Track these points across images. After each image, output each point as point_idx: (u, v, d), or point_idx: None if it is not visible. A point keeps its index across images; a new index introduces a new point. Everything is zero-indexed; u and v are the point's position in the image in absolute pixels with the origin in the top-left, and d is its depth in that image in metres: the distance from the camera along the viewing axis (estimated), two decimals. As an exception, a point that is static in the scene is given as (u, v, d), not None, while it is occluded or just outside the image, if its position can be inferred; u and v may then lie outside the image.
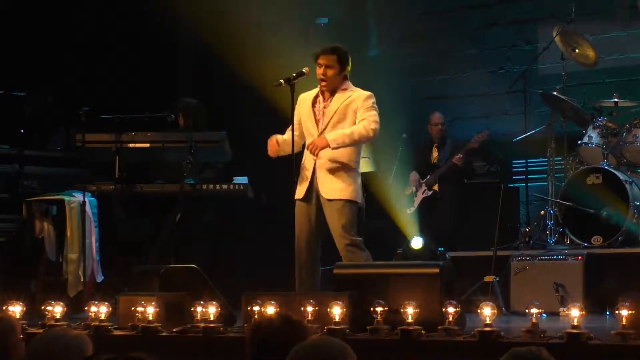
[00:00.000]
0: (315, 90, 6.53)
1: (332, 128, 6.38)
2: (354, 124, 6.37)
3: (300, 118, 6.51)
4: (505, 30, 10.02)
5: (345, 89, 6.44)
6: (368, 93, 6.44)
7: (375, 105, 6.42)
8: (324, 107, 6.44)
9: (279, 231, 7.06)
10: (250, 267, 8.72)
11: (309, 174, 6.41)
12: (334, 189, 6.34)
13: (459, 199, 9.17)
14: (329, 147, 6.27)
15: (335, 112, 6.39)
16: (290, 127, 6.47)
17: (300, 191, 6.42)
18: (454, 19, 10.13)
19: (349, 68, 6.48)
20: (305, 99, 6.52)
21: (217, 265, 7.84)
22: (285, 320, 3.39)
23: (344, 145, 6.32)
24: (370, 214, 8.80)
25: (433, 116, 9.41)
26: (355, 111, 6.38)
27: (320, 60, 6.40)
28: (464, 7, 10.11)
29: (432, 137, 9.41)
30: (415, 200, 9.20)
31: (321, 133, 6.40)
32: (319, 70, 6.40)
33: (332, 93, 6.45)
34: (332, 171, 6.37)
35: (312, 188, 6.41)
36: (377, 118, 6.37)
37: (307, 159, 6.45)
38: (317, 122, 6.45)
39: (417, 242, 8.72)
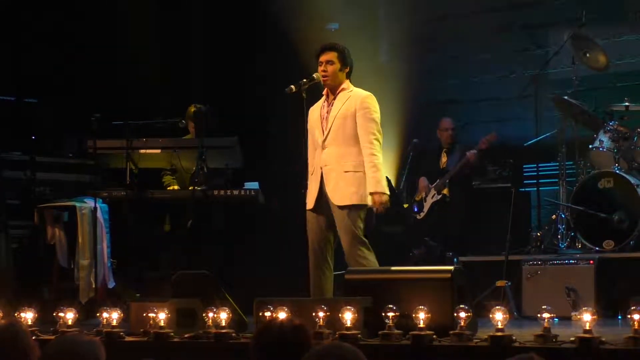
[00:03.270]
0: (322, 100, 6.54)
1: (334, 133, 6.35)
2: (354, 130, 6.33)
3: (310, 127, 6.51)
4: (517, 34, 10.02)
5: (345, 89, 6.44)
6: (365, 94, 6.41)
7: (373, 113, 6.38)
8: (327, 113, 6.44)
9: (291, 236, 7.07)
10: (262, 273, 8.73)
11: (317, 183, 6.41)
12: (344, 195, 6.31)
13: (469, 203, 9.16)
14: (386, 193, 6.29)
15: (335, 116, 6.38)
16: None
17: (310, 201, 6.41)
18: (466, 24, 10.13)
19: (351, 67, 6.49)
20: (313, 110, 6.53)
21: (229, 270, 7.85)
22: (288, 325, 3.40)
23: (381, 180, 6.32)
24: (384, 219, 8.83)
25: (443, 121, 9.40)
26: (353, 115, 6.35)
27: (321, 58, 6.42)
28: (476, 12, 10.10)
29: (442, 142, 9.40)
30: (425, 206, 9.20)
31: (325, 139, 6.38)
32: (320, 68, 6.42)
33: (334, 93, 6.44)
34: (340, 178, 6.34)
35: (321, 196, 6.39)
36: (376, 134, 6.35)
37: (315, 169, 6.45)
38: (322, 128, 6.45)
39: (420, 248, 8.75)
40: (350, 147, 6.36)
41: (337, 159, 6.35)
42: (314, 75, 6.54)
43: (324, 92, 6.53)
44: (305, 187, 6.44)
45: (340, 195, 6.31)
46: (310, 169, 6.50)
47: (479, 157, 9.06)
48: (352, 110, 6.36)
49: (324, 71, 6.40)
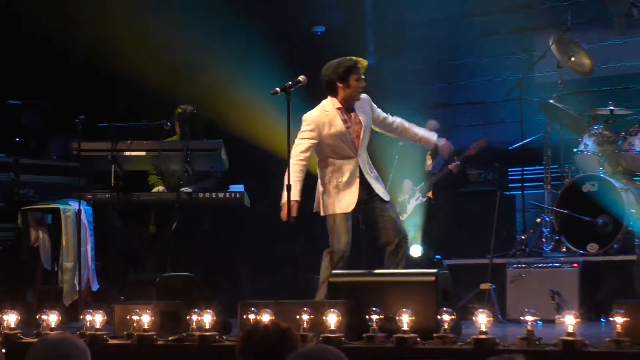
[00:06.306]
0: (325, 110, 6.55)
1: (364, 143, 6.58)
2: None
3: (322, 139, 6.52)
4: (503, 39, 10.03)
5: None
6: (366, 97, 6.66)
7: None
8: (352, 124, 6.54)
9: (275, 239, 7.07)
10: (247, 275, 8.73)
11: (356, 188, 6.49)
12: (384, 190, 6.66)
13: (454, 207, 9.18)
14: None
15: (364, 127, 6.57)
16: (302, 148, 6.50)
17: (349, 205, 6.48)
18: (452, 28, 10.15)
19: None
20: (323, 119, 6.54)
21: (214, 273, 7.85)
22: (274, 328, 3.41)
23: None
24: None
25: (428, 123, 9.38)
26: (370, 121, 6.62)
27: (363, 74, 6.55)
28: (462, 16, 10.12)
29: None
30: (408, 208, 9.22)
31: (358, 149, 6.53)
32: (361, 84, 6.53)
33: (353, 105, 6.57)
34: (376, 179, 6.63)
35: (363, 195, 6.52)
36: None
37: (350, 177, 6.49)
38: (352, 140, 6.52)
39: (416, 250, 8.72)
40: (366, 152, 6.67)
41: (367, 164, 6.61)
42: (300, 78, 6.57)
43: (335, 106, 6.53)
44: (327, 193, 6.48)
45: (383, 191, 6.64)
46: (341, 174, 6.51)
47: (462, 166, 9.09)
48: (370, 118, 6.62)
49: (362, 86, 6.55)
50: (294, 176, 6.42)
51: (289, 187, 6.35)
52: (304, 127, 6.55)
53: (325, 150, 6.56)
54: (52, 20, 9.15)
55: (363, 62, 6.59)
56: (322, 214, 6.56)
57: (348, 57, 6.60)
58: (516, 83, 8.87)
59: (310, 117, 6.55)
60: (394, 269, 6.37)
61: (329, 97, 6.60)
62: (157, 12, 9.37)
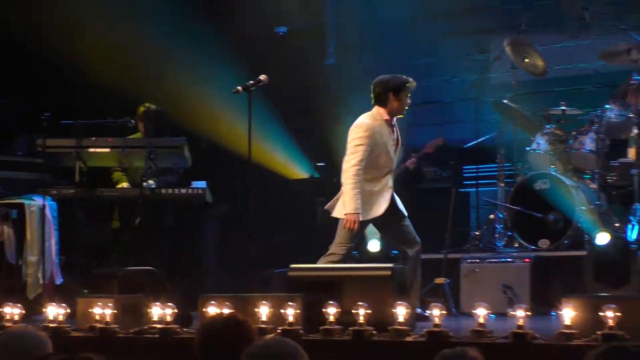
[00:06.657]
0: (376, 119, 6.53)
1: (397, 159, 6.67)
2: None
3: (375, 147, 6.49)
4: (460, 40, 10.15)
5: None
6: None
7: None
8: (396, 139, 6.59)
9: (236, 235, 7.15)
10: (208, 270, 8.81)
11: (388, 197, 6.56)
12: (402, 206, 6.67)
13: (410, 203, 9.30)
14: None
15: (401, 143, 6.66)
16: (361, 156, 6.42)
17: (378, 211, 6.51)
18: (410, 29, 10.26)
19: None
20: (375, 127, 6.50)
21: (176, 267, 7.94)
22: (231, 321, 3.51)
23: None
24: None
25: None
26: None
27: (410, 93, 6.60)
28: (421, 17, 10.23)
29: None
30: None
31: (394, 163, 6.62)
32: (409, 102, 6.58)
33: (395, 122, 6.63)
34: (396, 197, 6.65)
35: (390, 208, 6.58)
36: None
37: (385, 186, 6.55)
38: (392, 154, 6.57)
39: (373, 245, 8.82)
40: None
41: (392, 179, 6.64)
42: (261, 78, 6.67)
43: (383, 117, 6.54)
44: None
45: (402, 207, 6.67)
46: (375, 183, 6.54)
47: (418, 163, 9.23)
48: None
49: (409, 104, 6.59)
50: (356, 188, 6.40)
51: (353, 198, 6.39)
52: (361, 133, 6.43)
53: (368, 159, 6.47)
54: (19, 20, 9.19)
55: (413, 83, 6.60)
56: (334, 214, 6.51)
57: (399, 75, 6.59)
58: (472, 83, 9.04)
59: (366, 124, 6.46)
60: (414, 273, 6.45)
61: (376, 108, 6.50)
62: (121, 12, 9.42)
